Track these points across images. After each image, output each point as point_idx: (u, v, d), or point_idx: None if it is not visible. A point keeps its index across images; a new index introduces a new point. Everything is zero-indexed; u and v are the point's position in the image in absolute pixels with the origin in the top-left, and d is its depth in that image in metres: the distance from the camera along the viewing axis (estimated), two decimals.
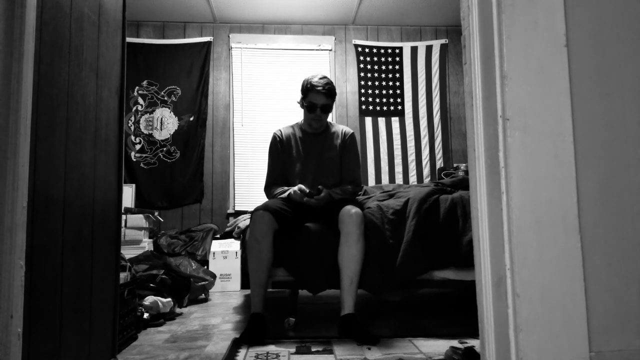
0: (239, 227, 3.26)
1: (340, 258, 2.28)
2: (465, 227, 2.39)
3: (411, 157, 5.04)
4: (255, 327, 2.14)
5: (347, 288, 2.22)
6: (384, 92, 5.13)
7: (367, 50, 5.19)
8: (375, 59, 5.17)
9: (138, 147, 4.86)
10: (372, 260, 2.34)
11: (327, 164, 2.65)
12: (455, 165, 4.72)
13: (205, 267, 3.68)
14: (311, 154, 2.66)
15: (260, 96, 5.04)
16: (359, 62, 5.15)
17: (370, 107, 5.10)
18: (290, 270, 2.43)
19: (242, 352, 1.92)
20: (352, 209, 2.34)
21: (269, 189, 2.66)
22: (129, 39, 4.77)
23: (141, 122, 4.91)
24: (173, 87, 4.95)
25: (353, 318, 2.16)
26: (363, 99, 5.10)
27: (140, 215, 4.00)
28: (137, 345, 2.06)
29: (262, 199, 2.68)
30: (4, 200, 1.05)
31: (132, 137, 4.87)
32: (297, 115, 2.86)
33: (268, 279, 2.33)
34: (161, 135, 4.89)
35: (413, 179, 5.02)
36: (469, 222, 2.36)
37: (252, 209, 2.50)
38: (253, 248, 2.29)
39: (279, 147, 2.69)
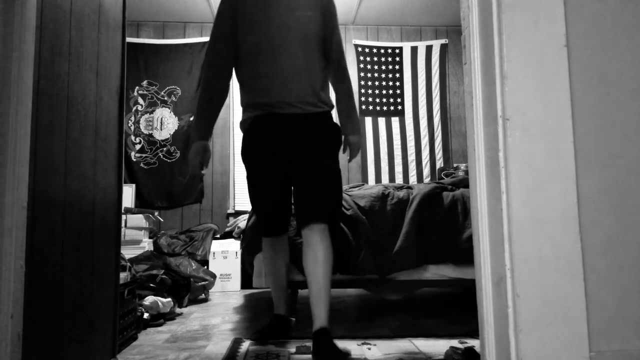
0: (239, 227, 3.26)
1: (304, 262, 1.86)
2: (465, 223, 2.40)
3: (411, 157, 5.04)
4: (270, 326, 2.15)
5: (316, 296, 1.80)
6: (384, 92, 5.13)
7: (367, 50, 5.18)
8: (375, 58, 5.17)
9: (138, 147, 4.86)
10: (366, 246, 2.33)
11: (304, 30, 1.89)
12: (455, 165, 4.72)
13: (205, 267, 3.68)
14: (278, 16, 1.88)
15: None
16: (359, 62, 5.15)
17: (370, 107, 5.10)
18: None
19: (242, 352, 1.92)
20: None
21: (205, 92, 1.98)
22: (129, 39, 4.77)
23: (141, 122, 4.91)
24: (173, 87, 4.95)
25: (324, 334, 1.76)
26: (363, 98, 5.10)
27: (140, 215, 4.00)
28: (137, 345, 2.06)
29: None
30: (4, 200, 1.05)
31: (132, 137, 4.87)
32: None
33: (287, 282, 2.24)
34: (161, 135, 4.89)
35: (413, 179, 5.02)
36: (469, 219, 2.36)
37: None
38: (267, 257, 2.19)
39: (231, 11, 1.91)
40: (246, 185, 2.18)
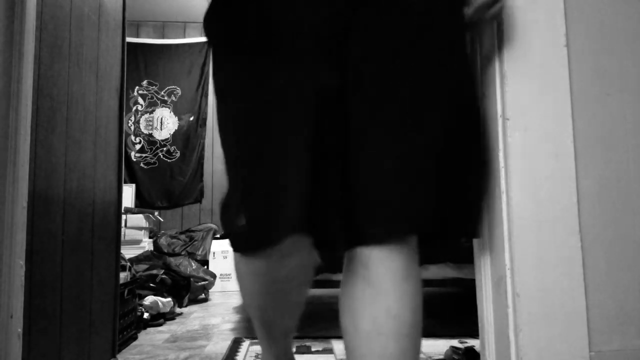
0: None
1: (344, 315, 0.90)
2: None
3: None
4: None
5: None
6: None
7: None
8: None
9: (138, 147, 4.86)
10: None
11: None
12: None
13: (205, 267, 3.68)
14: None
15: None
16: None
17: None
18: None
19: (242, 352, 1.92)
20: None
21: None
22: (129, 39, 4.77)
23: (141, 122, 4.91)
24: (173, 87, 4.95)
25: None
26: None
27: (140, 215, 4.00)
28: (137, 345, 2.06)
29: None
30: (4, 200, 1.05)
31: (132, 137, 4.87)
32: None
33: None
34: (161, 135, 4.89)
35: None
36: None
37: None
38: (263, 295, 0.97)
39: None
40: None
